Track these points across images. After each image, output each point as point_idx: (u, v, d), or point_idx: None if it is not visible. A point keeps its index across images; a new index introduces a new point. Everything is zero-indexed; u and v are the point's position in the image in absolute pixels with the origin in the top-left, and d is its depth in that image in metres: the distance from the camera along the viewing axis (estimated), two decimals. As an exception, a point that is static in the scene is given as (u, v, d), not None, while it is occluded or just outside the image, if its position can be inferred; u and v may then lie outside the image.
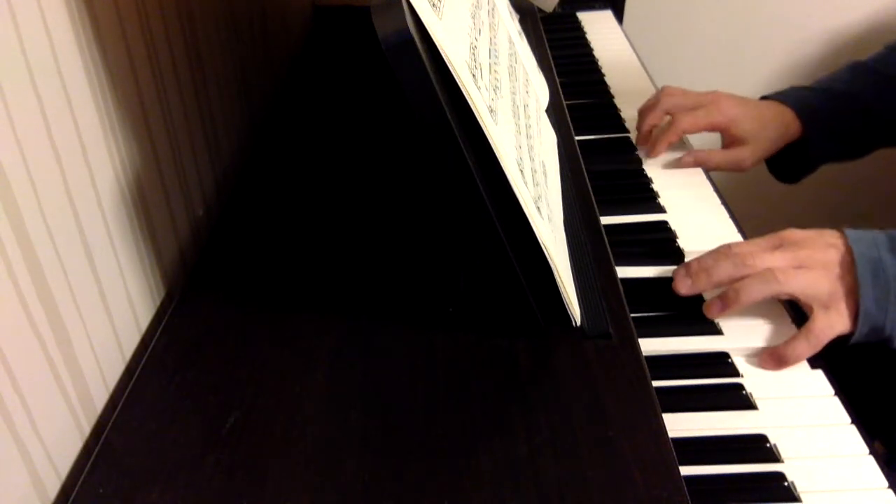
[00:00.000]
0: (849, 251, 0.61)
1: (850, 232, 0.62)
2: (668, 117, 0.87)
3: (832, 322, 0.60)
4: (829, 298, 0.60)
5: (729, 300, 0.62)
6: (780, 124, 0.86)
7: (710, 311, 0.63)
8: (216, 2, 0.73)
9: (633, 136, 0.91)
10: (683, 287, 0.64)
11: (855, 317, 0.60)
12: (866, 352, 0.62)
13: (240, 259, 0.61)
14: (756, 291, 0.61)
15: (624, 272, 0.67)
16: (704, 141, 0.90)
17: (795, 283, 0.60)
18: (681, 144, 0.89)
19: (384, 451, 0.44)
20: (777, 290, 0.61)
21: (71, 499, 0.43)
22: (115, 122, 0.54)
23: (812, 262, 0.61)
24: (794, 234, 0.64)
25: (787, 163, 0.90)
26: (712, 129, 0.86)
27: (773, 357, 0.60)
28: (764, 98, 0.90)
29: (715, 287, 0.63)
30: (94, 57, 0.51)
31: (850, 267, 0.60)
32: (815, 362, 0.60)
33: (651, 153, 0.87)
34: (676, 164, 0.85)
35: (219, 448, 0.45)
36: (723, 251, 0.64)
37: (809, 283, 0.60)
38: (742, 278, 0.61)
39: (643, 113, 0.89)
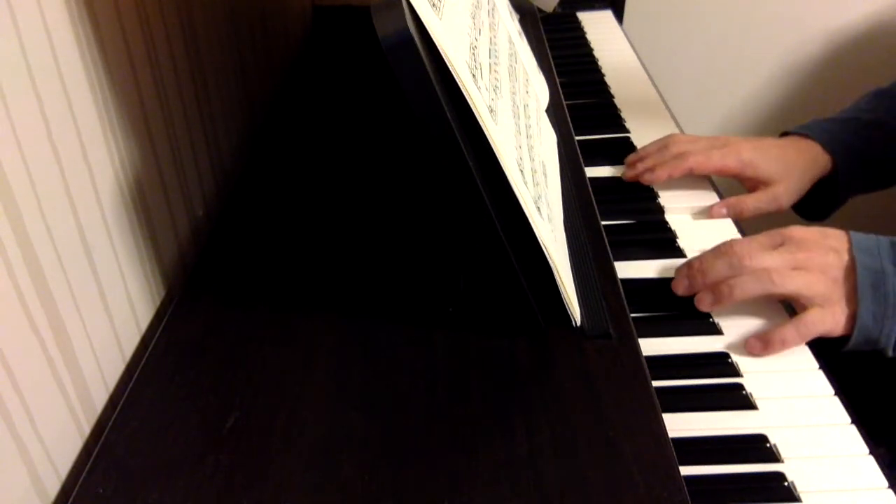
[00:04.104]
0: (851, 257, 0.61)
1: (855, 237, 0.62)
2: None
3: (824, 318, 0.60)
4: (825, 300, 0.60)
5: (721, 295, 0.62)
6: (807, 161, 0.80)
7: (701, 304, 0.63)
8: (216, 2, 0.73)
9: (633, 136, 0.91)
10: (681, 287, 0.64)
11: (848, 321, 0.60)
12: (867, 355, 0.62)
13: (240, 259, 0.61)
14: (749, 289, 0.61)
15: (624, 272, 0.67)
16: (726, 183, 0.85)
17: (790, 284, 0.61)
18: (705, 186, 0.82)
19: (384, 451, 0.44)
20: (770, 290, 0.61)
21: (71, 499, 0.43)
22: (115, 122, 0.54)
23: (810, 265, 0.61)
24: (796, 232, 0.64)
25: (814, 200, 0.83)
26: (724, 172, 0.80)
27: (759, 340, 0.60)
28: (785, 134, 0.84)
29: (711, 288, 0.63)
30: (94, 57, 0.51)
31: (850, 273, 0.60)
32: (815, 363, 0.60)
33: (645, 177, 0.80)
34: (704, 213, 0.78)
35: (219, 448, 0.45)
36: (723, 249, 0.64)
37: (805, 285, 0.61)
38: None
39: (645, 153, 0.82)
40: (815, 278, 0.61)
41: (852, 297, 0.60)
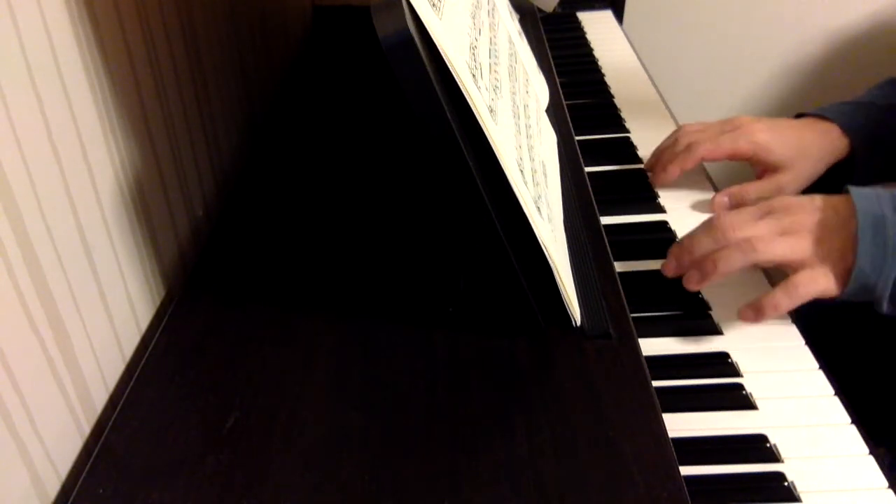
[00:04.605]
0: (849, 208, 0.59)
1: (853, 188, 0.61)
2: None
3: (815, 277, 0.59)
4: (814, 259, 0.59)
5: (707, 271, 0.61)
6: (824, 145, 0.78)
7: (688, 283, 0.63)
8: (216, 2, 0.73)
9: (633, 136, 0.91)
10: (669, 269, 0.64)
11: (843, 278, 0.59)
12: (867, 355, 0.62)
13: (240, 259, 0.61)
14: (734, 261, 0.60)
15: (624, 272, 0.67)
16: (725, 168, 0.84)
17: (775, 250, 0.60)
18: (705, 185, 0.81)
19: (384, 451, 0.44)
20: (755, 259, 0.60)
21: (71, 499, 0.43)
22: (115, 122, 0.54)
23: (797, 227, 0.61)
24: (783, 200, 0.63)
25: (827, 186, 0.81)
26: (736, 156, 0.77)
27: (751, 308, 0.60)
28: (801, 115, 0.82)
29: (697, 264, 0.63)
30: (94, 57, 0.51)
31: (840, 229, 0.59)
32: (815, 363, 0.60)
33: (659, 177, 0.79)
34: (704, 213, 0.77)
35: (219, 448, 0.45)
36: (708, 224, 0.64)
37: (790, 249, 0.60)
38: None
39: (659, 150, 0.82)
40: (802, 240, 0.60)
41: (848, 250, 0.59)
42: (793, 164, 0.76)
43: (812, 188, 0.80)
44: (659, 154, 0.82)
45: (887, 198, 0.60)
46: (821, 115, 0.80)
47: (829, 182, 0.81)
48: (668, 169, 0.78)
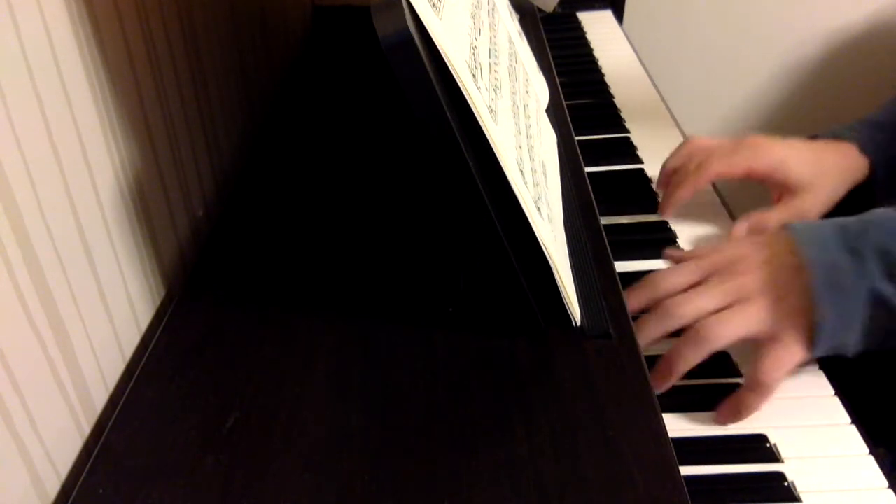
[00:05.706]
0: (792, 257, 0.56)
1: (797, 231, 0.57)
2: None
3: (779, 356, 0.55)
4: (774, 327, 0.55)
5: (668, 372, 0.57)
6: (844, 164, 0.73)
7: (657, 387, 0.57)
8: (216, 2, 0.73)
9: (633, 136, 0.91)
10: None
11: (808, 337, 0.55)
12: (867, 355, 0.61)
13: (240, 259, 0.61)
14: (691, 359, 0.56)
15: (624, 272, 0.67)
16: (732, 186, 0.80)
17: (728, 332, 0.55)
18: (715, 203, 0.80)
19: (384, 451, 0.44)
20: (712, 349, 0.56)
21: (71, 499, 0.43)
22: (115, 122, 0.54)
23: (745, 292, 0.56)
24: (722, 256, 0.59)
25: (845, 207, 0.75)
26: (752, 175, 0.72)
27: (728, 409, 0.56)
28: (813, 137, 0.77)
29: (652, 345, 0.58)
30: (93, 56, 0.51)
31: (792, 281, 0.55)
32: (815, 363, 0.60)
33: (672, 197, 0.75)
34: (704, 213, 0.76)
35: (219, 448, 0.45)
36: (651, 288, 0.60)
37: (745, 323, 0.56)
38: (673, 331, 0.58)
39: (670, 168, 0.78)
40: (754, 309, 0.56)
41: (807, 308, 0.55)
42: (812, 184, 0.71)
43: (834, 213, 0.76)
44: (669, 172, 0.78)
45: (831, 235, 0.55)
46: (836, 136, 0.76)
47: (850, 205, 0.75)
48: (682, 189, 0.75)
